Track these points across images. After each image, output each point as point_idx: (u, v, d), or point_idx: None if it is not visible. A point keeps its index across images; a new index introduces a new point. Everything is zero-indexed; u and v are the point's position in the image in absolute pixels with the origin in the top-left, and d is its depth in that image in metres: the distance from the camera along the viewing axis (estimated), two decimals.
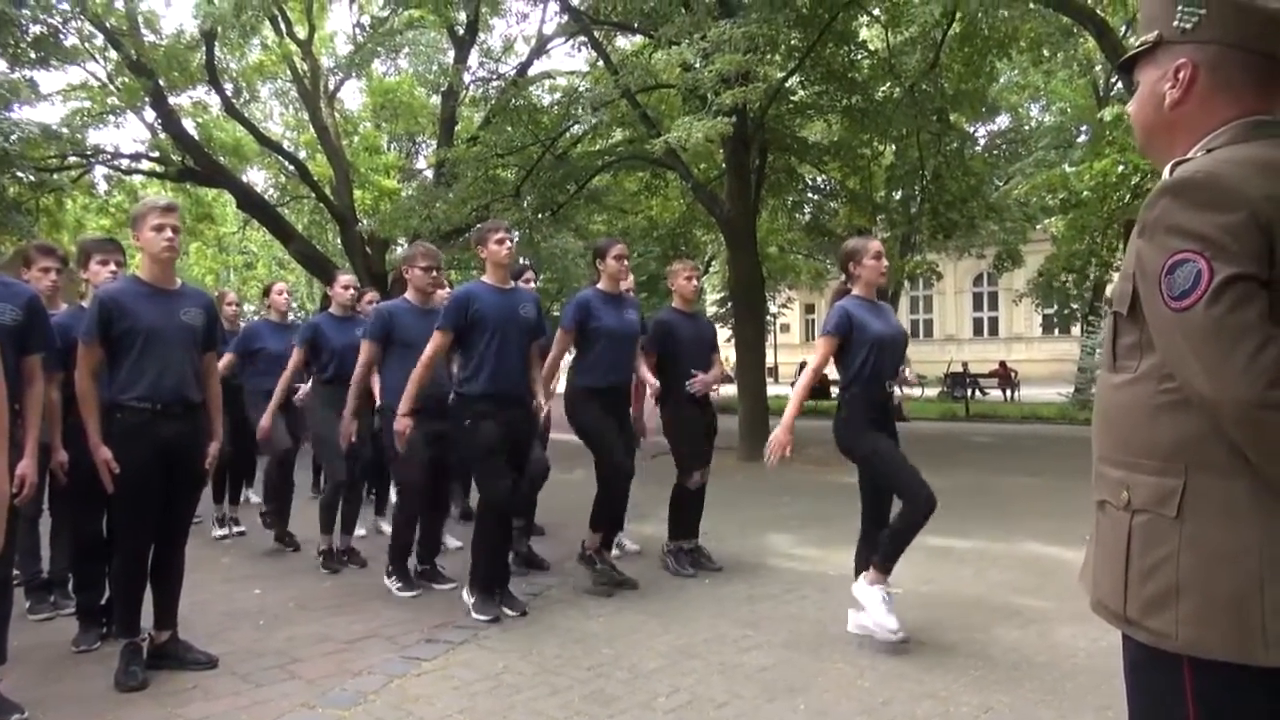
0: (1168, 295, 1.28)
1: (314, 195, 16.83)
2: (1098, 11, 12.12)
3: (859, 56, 11.39)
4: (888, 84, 12.87)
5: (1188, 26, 1.39)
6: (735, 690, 3.44)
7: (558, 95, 15.58)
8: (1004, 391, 23.32)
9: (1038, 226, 19.33)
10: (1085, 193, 16.30)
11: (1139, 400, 1.38)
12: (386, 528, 6.28)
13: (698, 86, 8.08)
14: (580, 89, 15.03)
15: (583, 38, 12.22)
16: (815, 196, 17.81)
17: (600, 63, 13.32)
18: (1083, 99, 25.30)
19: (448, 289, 5.84)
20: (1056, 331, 35.00)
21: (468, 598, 4.43)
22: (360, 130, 19.62)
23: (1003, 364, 24.80)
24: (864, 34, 12.96)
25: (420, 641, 4.01)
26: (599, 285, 5.13)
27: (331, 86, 16.89)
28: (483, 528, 4.47)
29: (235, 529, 6.27)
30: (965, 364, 24.15)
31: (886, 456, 3.94)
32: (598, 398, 4.89)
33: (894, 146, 14.41)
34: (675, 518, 5.39)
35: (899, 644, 3.88)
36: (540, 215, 13.77)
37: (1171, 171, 1.36)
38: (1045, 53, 15.59)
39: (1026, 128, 25.10)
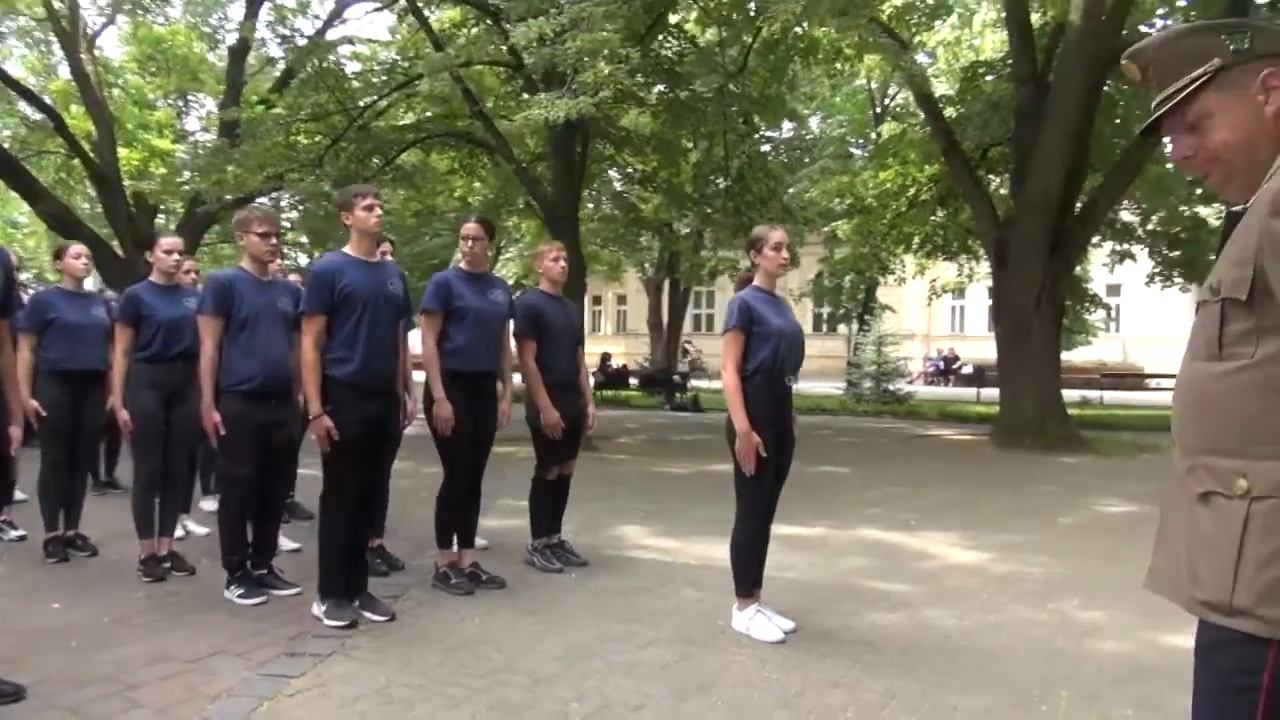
0: None
1: (68, 150, 14.82)
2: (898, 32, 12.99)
3: (686, 50, 11.53)
4: (701, 80, 13.13)
5: (1246, 46, 1.45)
6: (645, 690, 3.29)
7: (359, 64, 14.70)
8: None
9: (823, 229, 20.56)
10: (869, 200, 17.48)
11: (1258, 387, 1.35)
12: (194, 527, 5.61)
13: (555, 64, 7.79)
14: (383, 57, 14.23)
15: (403, 2, 11.51)
16: (620, 185, 17.94)
17: (404, 29, 12.64)
18: (859, 114, 27.24)
19: (280, 262, 5.29)
20: (825, 329, 37.45)
21: (317, 608, 4.00)
22: (123, 81, 17.48)
23: None
24: (690, 28, 13.13)
25: (279, 656, 3.54)
26: (460, 264, 4.83)
27: (93, 29, 14.92)
28: (329, 528, 4.05)
29: (13, 533, 5.31)
30: None
31: (756, 472, 3.90)
32: (461, 384, 4.56)
33: (702, 144, 14.76)
34: (537, 512, 5.16)
35: (788, 633, 3.91)
36: (341, 189, 12.89)
37: None
38: (838, 65, 16.59)
39: (809, 136, 26.65)
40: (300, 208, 14.24)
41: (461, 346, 4.59)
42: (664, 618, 4.18)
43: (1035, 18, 13.38)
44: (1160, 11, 14.80)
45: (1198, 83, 1.49)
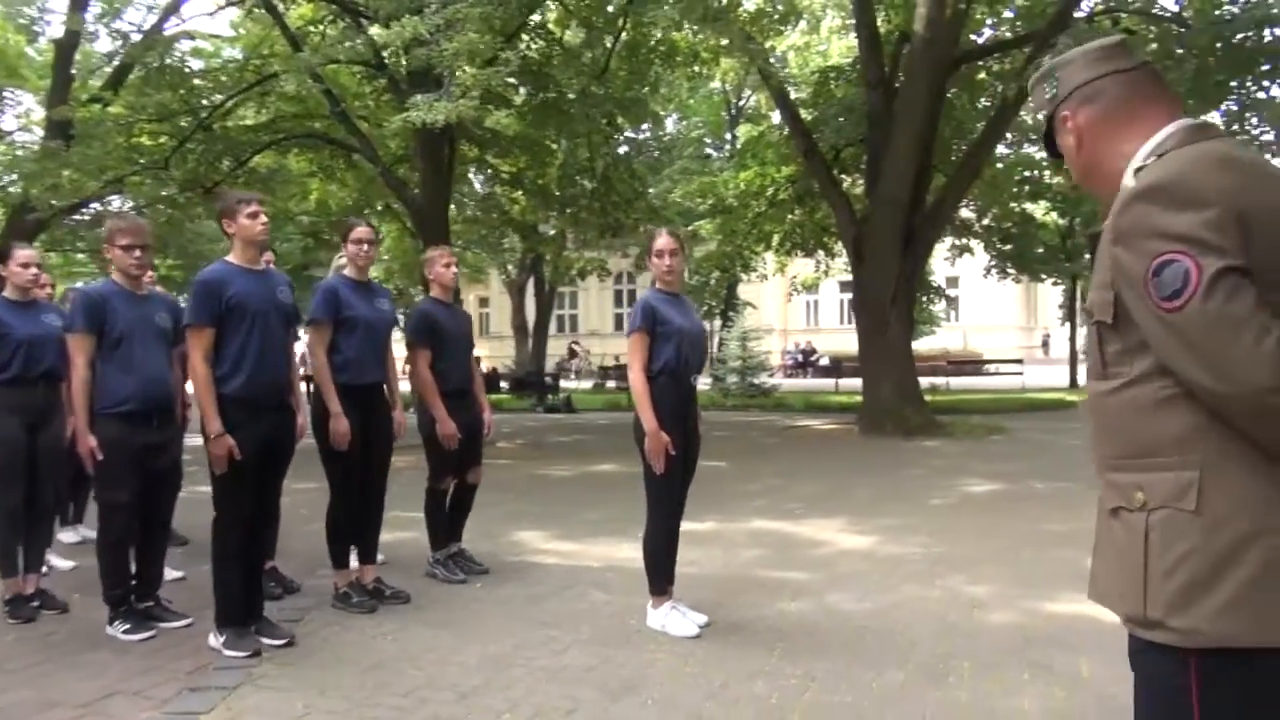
0: (1158, 297, 1.29)
1: None
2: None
3: (554, 52, 11.53)
4: (566, 81, 13.14)
5: (1054, 92, 1.58)
6: (574, 695, 3.30)
7: (201, 60, 13.92)
8: None
9: (685, 228, 20.94)
10: (731, 200, 17.95)
11: (1141, 401, 1.38)
12: (57, 561, 5.19)
13: (431, 65, 7.60)
14: (227, 54, 13.56)
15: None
16: (482, 186, 17.72)
17: (249, 24, 12.05)
18: (714, 117, 27.95)
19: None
20: None
21: (215, 640, 3.79)
22: None
23: None
24: (552, 28, 13.10)
25: (182, 692, 3.34)
26: (345, 272, 4.68)
27: None
28: (223, 553, 3.85)
29: None
30: (618, 356, 25.51)
31: (665, 470, 3.95)
32: (353, 398, 4.42)
33: (566, 145, 14.76)
34: (435, 524, 5.06)
35: (703, 627, 4.00)
36: (188, 194, 12.19)
37: (1135, 177, 1.41)
38: (695, 69, 16.96)
39: (666, 137, 27.13)
40: (140, 213, 13.34)
41: (352, 359, 4.46)
42: (578, 621, 4.19)
43: (882, 25, 14.07)
44: (989, 21, 15.89)
45: (1048, 132, 1.64)
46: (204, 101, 11.60)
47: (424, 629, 4.08)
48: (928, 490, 7.76)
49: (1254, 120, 13.19)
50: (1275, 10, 11.85)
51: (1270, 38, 11.77)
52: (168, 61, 10.89)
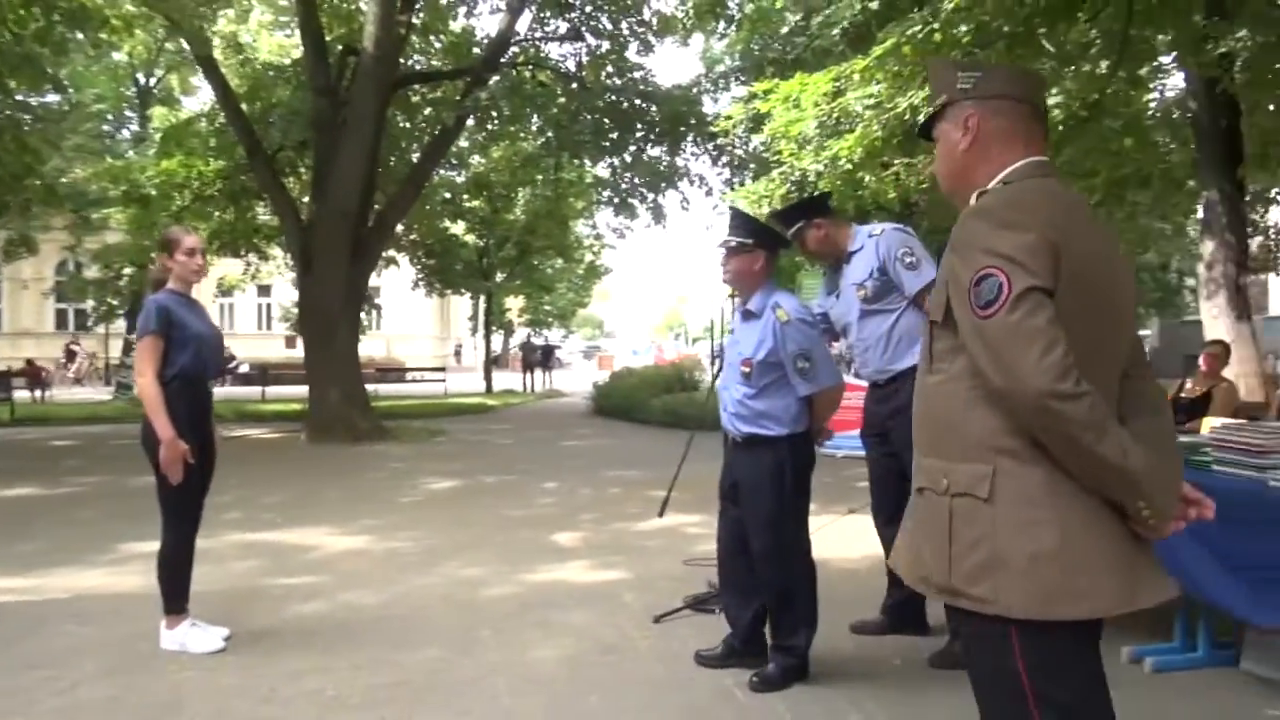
0: (975, 304, 1.49)
1: None
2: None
3: None
4: None
5: (968, 86, 1.69)
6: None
7: None
8: (32, 392, 21.14)
9: (93, 216, 18.21)
10: (149, 190, 16.23)
11: (954, 396, 1.58)
12: None
13: None
14: None
15: None
16: None
17: None
18: (114, 93, 24.74)
19: None
20: (73, 326, 32.86)
21: None
22: None
23: (30, 362, 22.46)
24: None
25: None
26: None
27: None
28: None
29: None
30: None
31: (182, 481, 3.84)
32: None
33: None
34: None
35: (226, 640, 3.93)
36: None
37: (977, 199, 1.64)
38: (103, 36, 15.04)
39: (61, 108, 23.24)
40: None
41: None
42: (72, 657, 3.77)
43: (328, 35, 14.13)
44: (420, 51, 16.90)
45: (934, 110, 1.73)
46: None
47: None
48: (395, 490, 8.21)
49: (628, 175, 16.27)
50: (643, 87, 14.85)
51: (641, 107, 14.71)
52: None
